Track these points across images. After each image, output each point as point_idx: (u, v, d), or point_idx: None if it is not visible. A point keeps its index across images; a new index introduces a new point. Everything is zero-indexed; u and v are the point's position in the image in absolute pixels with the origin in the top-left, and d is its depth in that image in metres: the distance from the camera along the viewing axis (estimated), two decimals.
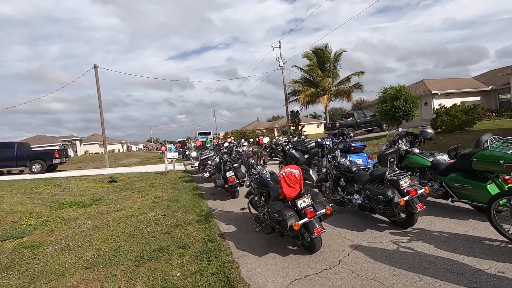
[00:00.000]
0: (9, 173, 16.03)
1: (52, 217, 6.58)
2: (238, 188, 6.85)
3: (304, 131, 27.38)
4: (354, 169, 4.42)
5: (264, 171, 4.42)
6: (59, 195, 9.38)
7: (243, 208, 5.00)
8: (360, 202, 4.11)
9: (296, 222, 3.04)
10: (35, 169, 14.97)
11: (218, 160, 7.46)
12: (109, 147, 63.79)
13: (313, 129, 46.70)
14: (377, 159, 4.48)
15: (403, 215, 3.71)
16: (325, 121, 24.18)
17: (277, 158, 10.25)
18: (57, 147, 17.55)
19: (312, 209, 3.17)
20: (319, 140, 9.68)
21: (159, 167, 14.87)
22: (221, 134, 59.02)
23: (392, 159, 4.20)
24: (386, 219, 4.07)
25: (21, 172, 15.93)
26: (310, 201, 3.25)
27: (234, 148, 14.39)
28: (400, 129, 5.09)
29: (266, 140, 9.16)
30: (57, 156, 15.33)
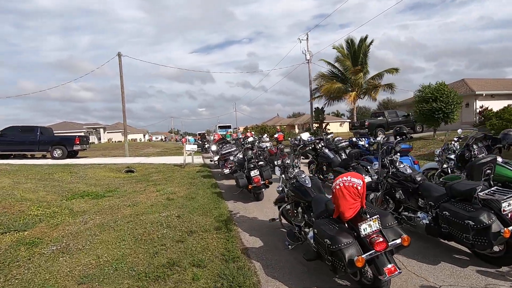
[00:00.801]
0: (32, 157, 16.16)
1: (61, 208, 6.08)
2: (264, 189, 6.02)
3: (329, 129, 26.09)
4: (418, 179, 3.45)
5: (303, 176, 3.52)
6: (74, 183, 8.98)
7: (274, 219, 4.15)
8: (429, 223, 3.12)
9: (360, 257, 2.13)
10: (56, 155, 14.93)
11: (241, 156, 6.64)
12: (131, 136, 65.41)
13: (335, 128, 44.89)
14: (467, 169, 3.43)
15: (498, 248, 2.69)
16: (350, 120, 22.71)
17: (304, 158, 9.18)
18: (81, 134, 17.41)
19: (382, 238, 2.24)
20: (354, 139, 8.60)
21: (178, 159, 14.31)
22: (241, 129, 58.48)
23: (489, 171, 3.15)
24: (465, 248, 3.06)
25: (44, 157, 16.01)
26: (378, 226, 2.31)
27: (256, 143, 13.64)
28: (475, 131, 4.01)
29: (305, 136, 7.67)
30: (78, 142, 15.20)
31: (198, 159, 15.83)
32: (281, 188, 3.95)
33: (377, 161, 3.99)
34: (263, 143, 11.52)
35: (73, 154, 16.24)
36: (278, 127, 40.86)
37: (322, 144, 7.48)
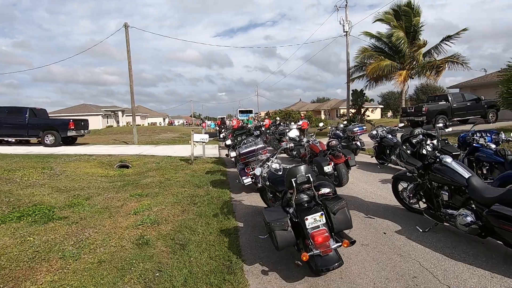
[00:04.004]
0: (18, 143, 13.74)
1: None
2: (337, 265, 2.66)
3: (368, 116, 22.27)
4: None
5: None
6: (36, 186, 6.43)
7: None
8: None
9: None
10: (48, 141, 12.68)
11: (276, 166, 3.46)
12: (151, 120, 64.50)
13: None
14: None
15: None
16: (401, 106, 18.58)
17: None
18: (78, 118, 15.08)
19: None
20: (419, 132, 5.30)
21: (189, 150, 11.49)
22: (262, 114, 55.09)
23: None
24: None
25: (39, 143, 13.82)
26: None
27: (288, 134, 10.48)
28: None
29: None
30: (73, 127, 12.82)
31: (213, 150, 12.99)
32: None
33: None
34: (291, 132, 8.41)
35: (70, 141, 13.98)
36: (302, 114, 36.88)
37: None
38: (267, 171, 3.48)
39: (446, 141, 4.25)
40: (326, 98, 79.38)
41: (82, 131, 13.75)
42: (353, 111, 21.23)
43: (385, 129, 7.64)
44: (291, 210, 2.55)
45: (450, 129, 5.72)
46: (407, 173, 3.60)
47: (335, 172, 5.46)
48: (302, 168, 2.55)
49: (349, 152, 5.68)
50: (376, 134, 7.53)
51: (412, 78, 18.48)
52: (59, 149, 12.15)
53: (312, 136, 6.93)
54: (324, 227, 2.36)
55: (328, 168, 5.33)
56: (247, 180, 5.11)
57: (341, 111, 49.29)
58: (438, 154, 3.32)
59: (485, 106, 14.92)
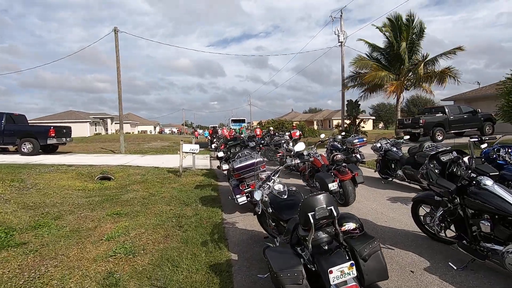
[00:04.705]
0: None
1: None
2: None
3: (363, 127, 21.98)
4: None
5: None
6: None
7: None
8: None
9: None
10: (25, 149, 11.74)
11: (280, 188, 2.81)
12: (141, 128, 63.15)
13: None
14: None
15: None
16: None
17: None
18: (59, 124, 14.20)
19: None
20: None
21: (178, 160, 10.74)
22: (254, 123, 54.62)
23: None
24: None
25: (16, 151, 12.84)
26: None
27: (284, 145, 9.89)
28: None
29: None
30: (53, 135, 11.94)
31: (204, 161, 12.28)
32: None
33: None
34: (297, 146, 7.84)
35: (50, 149, 13.05)
36: (295, 123, 36.50)
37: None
38: (268, 194, 2.85)
39: (483, 160, 3.70)
40: (318, 108, 79.61)
41: (64, 139, 12.86)
42: (348, 122, 20.90)
43: (389, 141, 7.14)
44: (305, 254, 1.91)
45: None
46: (436, 197, 3.01)
47: (341, 190, 4.86)
48: (322, 198, 1.90)
49: (356, 167, 5.10)
50: (380, 147, 7.01)
51: (408, 90, 18.34)
52: (37, 158, 11.23)
53: (313, 149, 6.35)
54: (355, 282, 1.72)
55: (333, 186, 4.73)
56: (242, 199, 4.44)
57: (334, 121, 49.29)
58: (473, 175, 2.76)
59: (482, 118, 14.73)
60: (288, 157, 7.00)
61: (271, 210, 2.63)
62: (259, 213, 2.96)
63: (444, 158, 3.02)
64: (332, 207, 1.86)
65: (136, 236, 3.96)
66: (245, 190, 4.42)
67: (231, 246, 3.52)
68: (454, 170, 2.91)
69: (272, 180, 2.90)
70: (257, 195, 2.56)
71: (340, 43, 20.15)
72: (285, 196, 2.69)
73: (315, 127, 52.01)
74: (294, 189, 2.91)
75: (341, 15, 20.19)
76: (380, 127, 61.15)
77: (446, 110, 14.62)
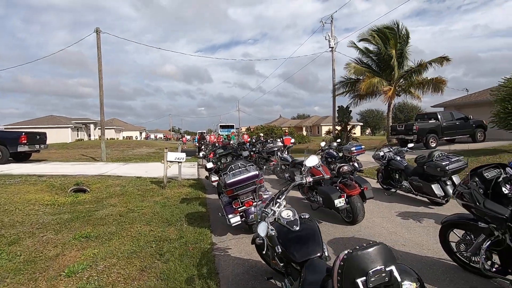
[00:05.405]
0: None
1: None
2: None
3: (354, 133, 21.75)
4: None
5: None
6: None
7: None
8: None
9: None
10: None
11: (289, 216, 2.16)
12: (127, 134, 61.34)
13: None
14: None
15: None
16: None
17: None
18: (33, 130, 13.14)
19: None
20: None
21: (162, 169, 9.92)
22: (243, 129, 53.90)
23: None
24: None
25: None
26: None
27: (278, 153, 9.28)
28: None
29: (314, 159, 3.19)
30: (25, 141, 10.90)
31: (191, 169, 11.50)
32: None
33: None
34: (308, 161, 7.26)
35: (22, 157, 11.96)
36: (286, 130, 36.07)
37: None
38: (273, 222, 2.16)
39: None
40: (306, 114, 79.81)
41: (37, 146, 11.80)
42: (338, 128, 20.58)
43: (392, 149, 6.65)
44: None
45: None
46: (480, 224, 2.44)
47: (348, 206, 4.27)
48: (377, 254, 1.23)
49: (364, 180, 4.53)
50: (383, 155, 6.50)
51: (399, 96, 18.23)
52: (4, 167, 10.17)
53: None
54: None
55: (339, 202, 4.13)
56: (235, 220, 3.76)
57: (323, 128, 49.26)
58: None
59: (473, 125, 14.64)
60: (296, 172, 6.25)
61: (280, 250, 1.95)
62: (257, 241, 2.32)
63: (488, 175, 2.47)
64: (393, 267, 1.24)
65: (104, 269, 3.21)
66: (239, 209, 3.74)
67: (223, 283, 2.82)
68: (503, 190, 2.36)
69: (278, 204, 2.25)
70: (261, 230, 1.89)
71: (331, 48, 19.96)
72: (297, 228, 2.04)
73: (304, 133, 51.83)
74: (307, 216, 2.25)
75: (331, 21, 20.07)
76: (367, 133, 61.75)
77: (439, 117, 14.44)
